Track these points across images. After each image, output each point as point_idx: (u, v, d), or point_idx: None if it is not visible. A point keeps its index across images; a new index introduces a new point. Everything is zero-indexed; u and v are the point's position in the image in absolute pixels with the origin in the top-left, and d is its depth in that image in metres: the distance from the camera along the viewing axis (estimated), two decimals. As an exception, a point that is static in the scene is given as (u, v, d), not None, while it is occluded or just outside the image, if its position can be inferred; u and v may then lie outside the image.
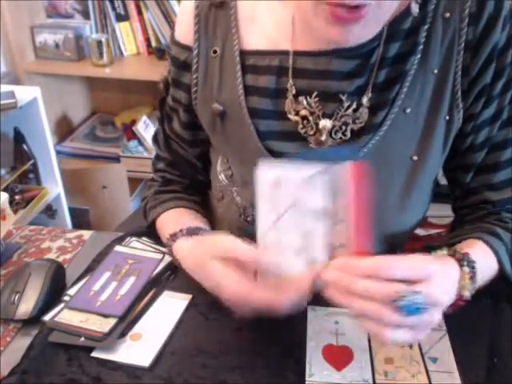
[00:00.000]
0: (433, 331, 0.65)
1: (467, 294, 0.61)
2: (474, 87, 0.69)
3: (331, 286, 0.56)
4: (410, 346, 0.64)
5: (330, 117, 0.70)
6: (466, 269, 0.61)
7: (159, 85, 0.84)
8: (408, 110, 0.69)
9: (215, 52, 0.74)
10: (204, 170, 0.88)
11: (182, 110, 0.81)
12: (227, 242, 0.62)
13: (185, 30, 0.76)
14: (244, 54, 0.72)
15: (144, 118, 2.10)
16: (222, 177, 0.81)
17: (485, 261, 0.67)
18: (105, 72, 2.01)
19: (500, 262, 0.68)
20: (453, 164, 0.77)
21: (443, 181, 0.82)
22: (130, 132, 2.11)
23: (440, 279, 0.55)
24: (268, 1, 0.72)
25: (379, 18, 0.60)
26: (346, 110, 0.69)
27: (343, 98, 0.69)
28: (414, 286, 0.53)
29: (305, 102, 0.70)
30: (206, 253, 0.63)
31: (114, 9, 2.04)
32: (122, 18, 2.05)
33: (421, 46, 0.68)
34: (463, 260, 0.62)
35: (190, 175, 0.89)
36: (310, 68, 0.70)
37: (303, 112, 0.70)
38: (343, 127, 0.70)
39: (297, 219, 0.57)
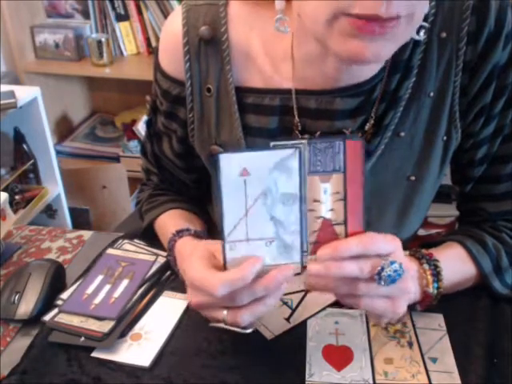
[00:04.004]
0: (433, 331, 0.66)
1: (432, 291, 0.64)
2: (474, 107, 0.68)
3: (317, 278, 0.55)
4: (410, 346, 0.64)
5: None
6: (426, 266, 0.64)
7: (146, 104, 0.81)
8: (402, 134, 0.68)
9: (209, 90, 0.71)
10: (198, 189, 0.87)
11: (176, 140, 0.79)
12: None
13: (174, 64, 0.72)
14: (240, 91, 0.70)
15: (144, 117, 2.10)
16: None
17: (455, 263, 0.68)
18: (105, 72, 2.02)
19: (481, 270, 0.68)
20: (453, 177, 0.77)
21: (443, 181, 0.81)
22: (129, 132, 2.12)
23: (401, 252, 0.57)
24: (262, 33, 0.68)
25: (406, 36, 0.55)
26: None
27: (347, 132, 0.68)
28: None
29: None
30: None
31: (114, 9, 2.04)
32: (122, 17, 2.05)
33: (415, 70, 0.66)
34: (422, 258, 0.65)
35: (184, 192, 0.87)
36: (313, 107, 0.68)
37: None
38: None
39: (268, 208, 0.53)
